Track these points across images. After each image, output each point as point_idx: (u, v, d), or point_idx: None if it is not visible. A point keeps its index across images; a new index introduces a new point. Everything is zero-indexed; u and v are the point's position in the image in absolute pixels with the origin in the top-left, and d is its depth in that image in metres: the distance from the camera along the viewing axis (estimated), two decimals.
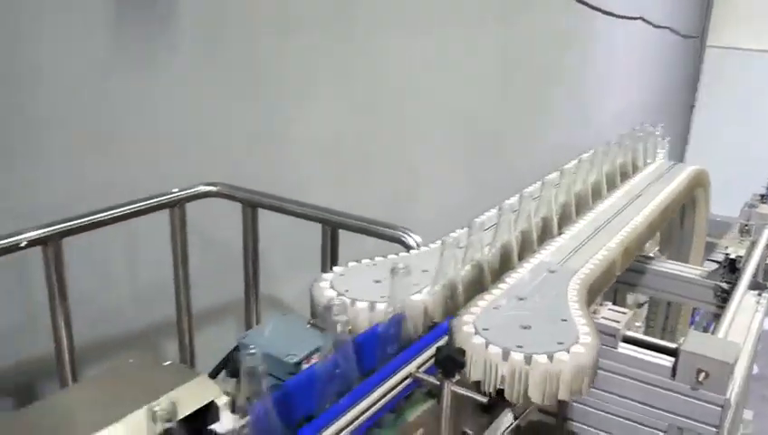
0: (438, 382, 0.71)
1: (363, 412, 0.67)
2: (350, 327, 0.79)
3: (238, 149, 1.69)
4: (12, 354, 1.33)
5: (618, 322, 1.03)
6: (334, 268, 0.92)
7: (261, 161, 1.75)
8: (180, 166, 1.53)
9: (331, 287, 0.87)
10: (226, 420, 0.61)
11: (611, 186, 1.39)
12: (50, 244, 1.16)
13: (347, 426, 0.65)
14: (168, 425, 0.55)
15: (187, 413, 0.59)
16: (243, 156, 1.70)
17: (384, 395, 0.70)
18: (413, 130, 2.34)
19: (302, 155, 1.89)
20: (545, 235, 1.10)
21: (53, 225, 1.16)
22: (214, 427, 0.60)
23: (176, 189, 1.37)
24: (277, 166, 1.80)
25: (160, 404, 0.55)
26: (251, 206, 1.42)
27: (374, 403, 0.69)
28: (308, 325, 0.86)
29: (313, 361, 0.77)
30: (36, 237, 1.14)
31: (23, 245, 1.14)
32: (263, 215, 1.45)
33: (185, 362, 1.47)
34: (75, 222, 1.19)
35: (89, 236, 1.24)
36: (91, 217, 1.21)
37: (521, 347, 0.74)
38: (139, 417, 0.58)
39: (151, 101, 1.47)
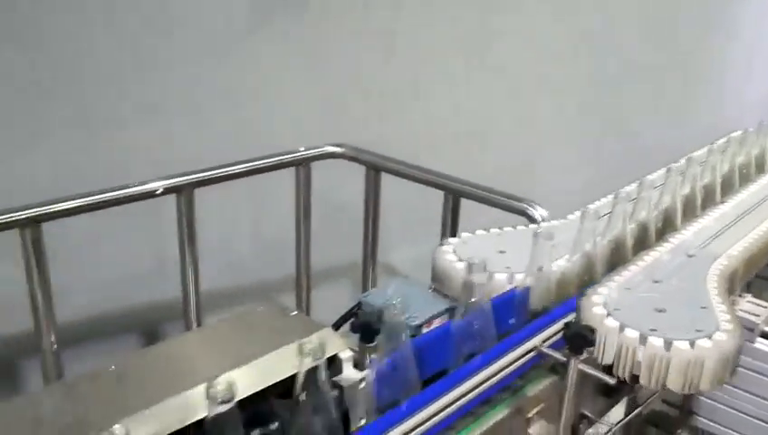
0: (565, 359, 0.69)
1: (485, 381, 0.66)
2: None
3: (364, 114, 1.70)
4: (142, 297, 1.40)
5: (757, 315, 0.96)
6: (457, 236, 0.91)
7: (383, 128, 1.76)
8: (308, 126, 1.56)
9: (455, 254, 0.86)
10: (350, 374, 0.61)
11: None
12: (183, 192, 1.21)
13: (469, 391, 0.64)
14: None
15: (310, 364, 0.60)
16: (370, 121, 1.71)
17: (507, 366, 0.68)
18: (538, 105, 2.28)
19: (426, 126, 1.88)
20: (707, 202, 1.08)
21: (188, 174, 1.21)
22: (338, 379, 0.60)
23: (302, 148, 1.39)
24: (399, 134, 1.80)
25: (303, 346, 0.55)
26: (375, 169, 1.42)
27: (496, 373, 0.67)
28: (429, 290, 0.86)
29: (435, 324, 0.76)
30: (172, 186, 1.19)
31: (159, 192, 1.19)
32: (385, 179, 1.45)
33: None
34: (208, 173, 1.23)
35: (218, 189, 1.28)
36: (223, 170, 1.25)
37: (654, 331, 0.70)
38: (264, 362, 0.58)
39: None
